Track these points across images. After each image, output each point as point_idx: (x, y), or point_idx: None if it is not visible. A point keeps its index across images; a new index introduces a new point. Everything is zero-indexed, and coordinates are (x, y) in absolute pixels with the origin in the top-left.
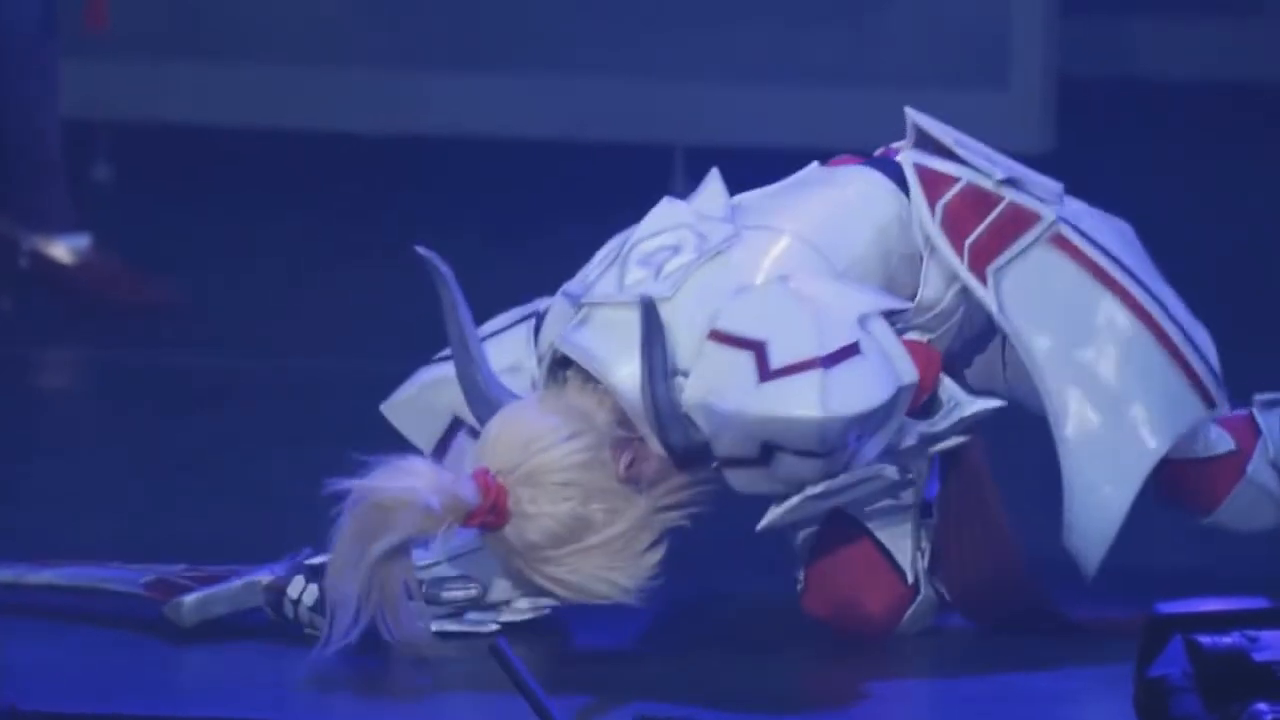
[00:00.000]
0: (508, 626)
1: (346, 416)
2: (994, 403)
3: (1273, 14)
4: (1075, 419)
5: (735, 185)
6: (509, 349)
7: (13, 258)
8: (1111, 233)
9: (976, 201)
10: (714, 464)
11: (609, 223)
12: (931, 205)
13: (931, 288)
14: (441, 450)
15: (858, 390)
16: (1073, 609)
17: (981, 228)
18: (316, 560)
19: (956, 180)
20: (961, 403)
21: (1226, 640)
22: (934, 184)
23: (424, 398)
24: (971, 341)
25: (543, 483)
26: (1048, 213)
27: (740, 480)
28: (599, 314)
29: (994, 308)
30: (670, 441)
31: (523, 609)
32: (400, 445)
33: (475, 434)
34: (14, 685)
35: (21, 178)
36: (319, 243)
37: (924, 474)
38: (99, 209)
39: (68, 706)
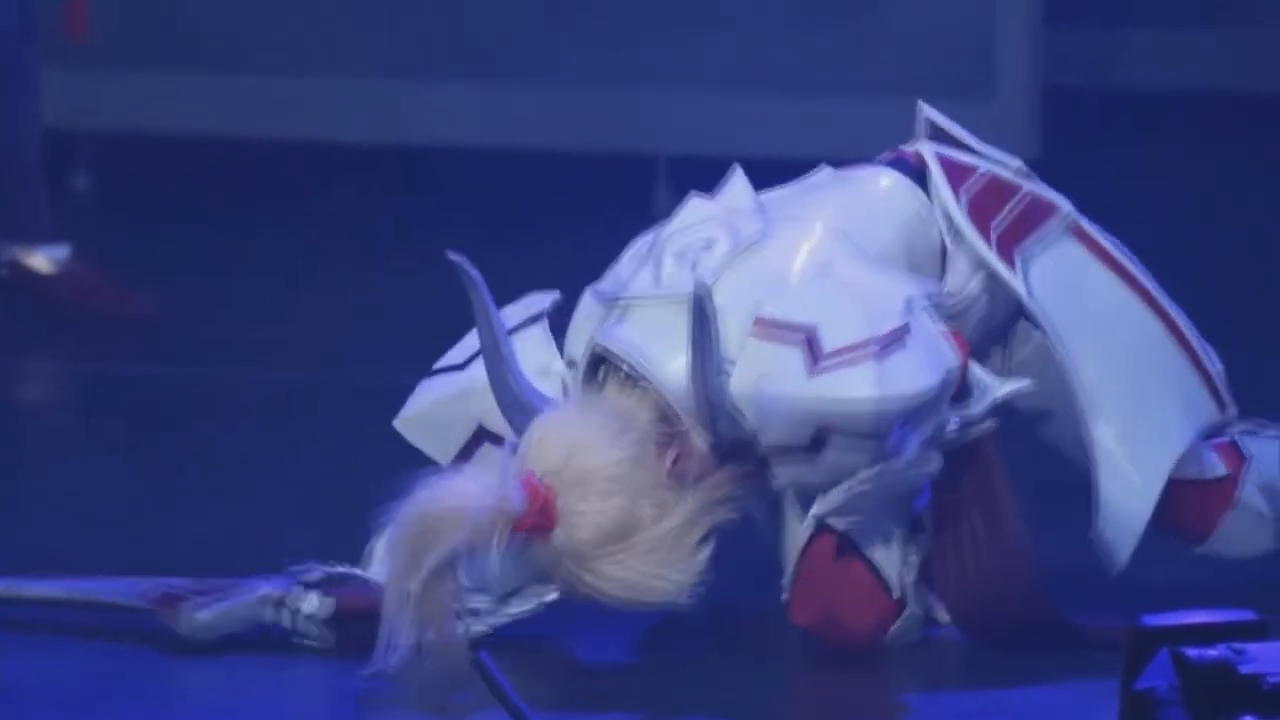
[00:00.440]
0: (493, 638)
1: (331, 427)
2: (1024, 383)
3: (1258, 23)
4: (1106, 407)
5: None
6: (532, 351)
7: None
8: (1112, 239)
9: (998, 191)
10: (760, 456)
11: (595, 231)
12: (956, 193)
13: (957, 276)
14: (462, 462)
15: (910, 373)
16: (1073, 619)
17: (1004, 215)
18: (321, 573)
19: (977, 169)
20: (991, 385)
21: (1213, 653)
22: (956, 174)
23: (442, 411)
24: (990, 333)
25: (590, 482)
26: (1065, 204)
27: (786, 472)
28: (637, 310)
29: (1023, 292)
30: (720, 431)
31: (523, 607)
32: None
33: (498, 442)
34: (13, 701)
35: (0, 187)
36: (302, 253)
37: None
38: (79, 219)
39: None
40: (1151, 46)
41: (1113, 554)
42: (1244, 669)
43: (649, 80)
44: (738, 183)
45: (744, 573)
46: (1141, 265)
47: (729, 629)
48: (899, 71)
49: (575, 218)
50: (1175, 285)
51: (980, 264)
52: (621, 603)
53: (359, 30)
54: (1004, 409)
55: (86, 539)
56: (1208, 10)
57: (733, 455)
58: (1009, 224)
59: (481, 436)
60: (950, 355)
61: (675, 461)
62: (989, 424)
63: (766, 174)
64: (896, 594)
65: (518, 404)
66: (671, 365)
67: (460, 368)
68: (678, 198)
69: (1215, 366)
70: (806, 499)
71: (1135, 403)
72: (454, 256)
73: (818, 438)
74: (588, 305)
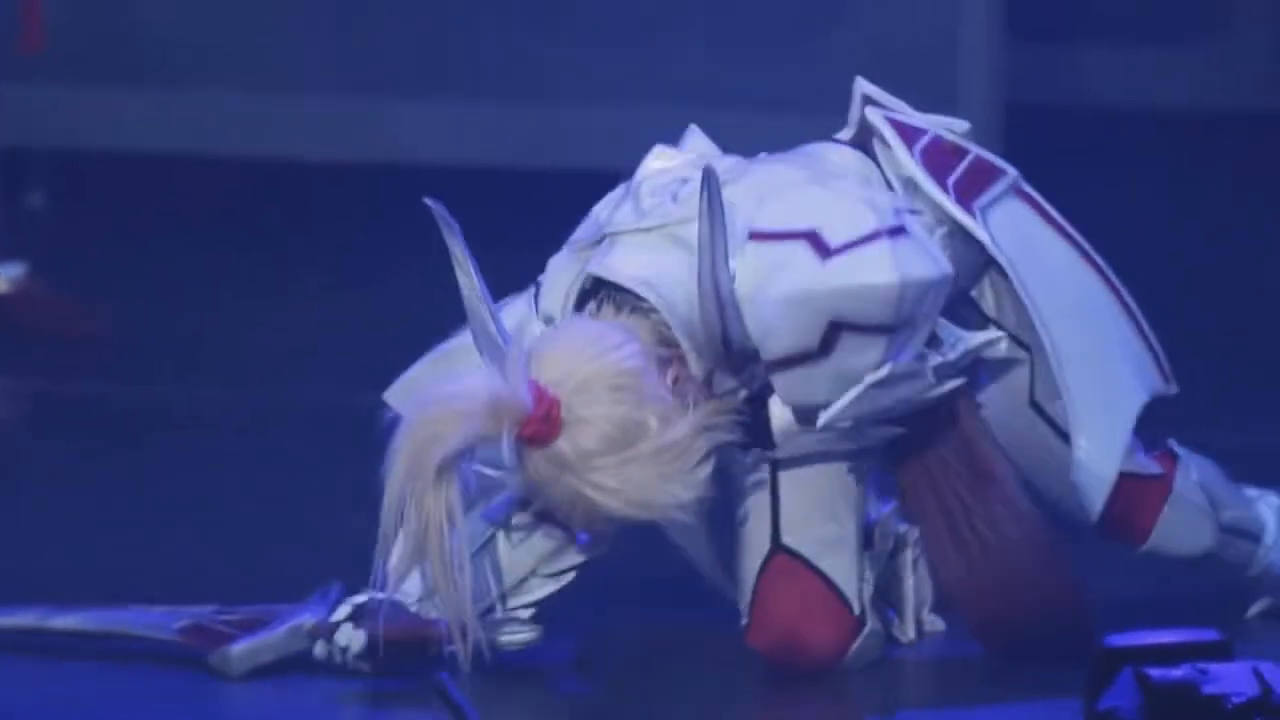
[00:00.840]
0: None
1: (288, 445)
2: (996, 334)
3: (1219, 41)
4: (1074, 356)
5: None
6: (510, 316)
7: None
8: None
9: (948, 149)
10: (752, 388)
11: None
12: (910, 150)
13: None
14: None
15: (922, 260)
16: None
17: (958, 172)
18: (359, 599)
19: (926, 131)
20: (964, 336)
21: (1176, 673)
22: (906, 134)
23: (425, 374)
24: (954, 295)
25: (595, 388)
26: (1010, 168)
27: (790, 385)
28: (624, 240)
29: (987, 240)
30: (730, 334)
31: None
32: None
33: None
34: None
35: None
36: (259, 271)
37: (863, 498)
38: (34, 237)
39: None
40: (1113, 64)
41: (1089, 502)
42: (1207, 689)
43: (617, 97)
44: (698, 136)
45: (703, 596)
46: (1080, 233)
47: (691, 651)
48: None
49: (548, 235)
50: (1137, 300)
51: (940, 220)
52: (621, 516)
53: (316, 46)
54: (975, 364)
55: (41, 560)
56: (1169, 28)
57: (738, 366)
58: (964, 178)
59: None
60: (946, 262)
61: (675, 382)
62: (961, 381)
63: None
64: (856, 610)
65: (497, 347)
66: (667, 285)
67: None
68: None
69: (1154, 339)
70: (759, 523)
71: (1096, 358)
72: (430, 202)
73: (828, 336)
74: (560, 260)
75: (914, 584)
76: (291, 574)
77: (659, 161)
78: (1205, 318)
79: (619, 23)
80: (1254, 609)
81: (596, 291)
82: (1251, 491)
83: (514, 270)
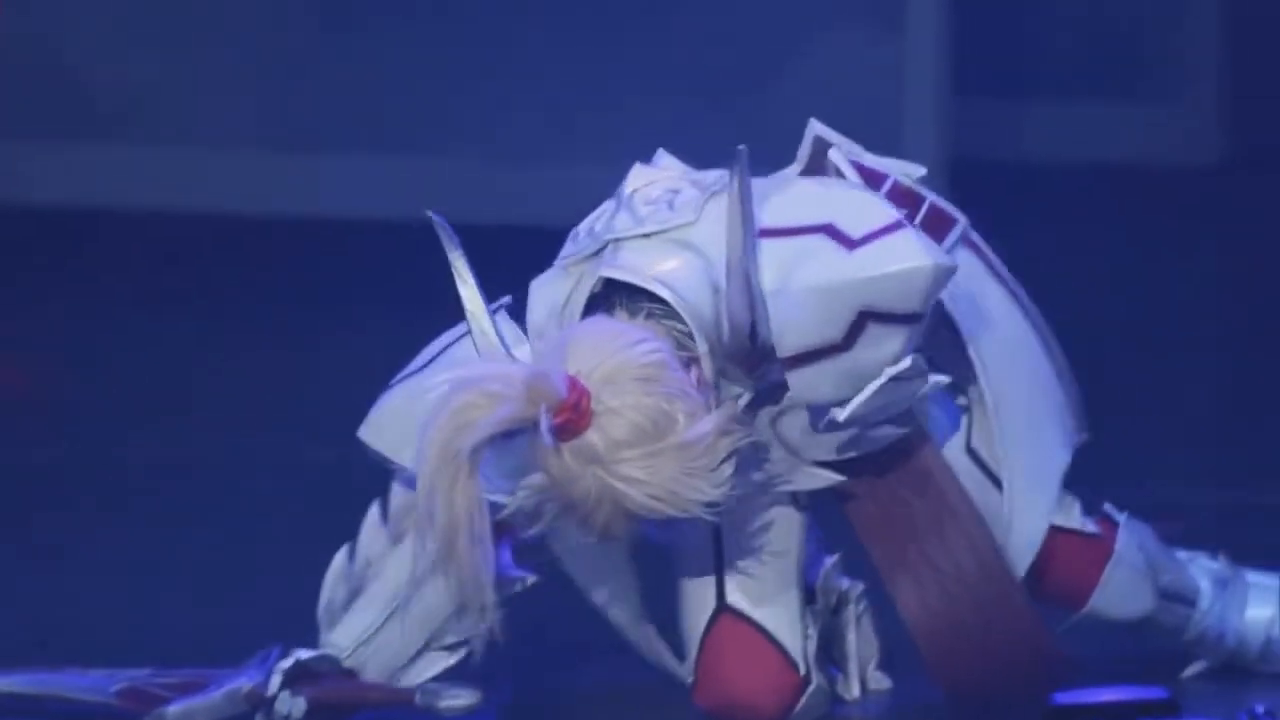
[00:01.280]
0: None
1: (216, 501)
2: (944, 378)
3: (1164, 98)
4: (1011, 412)
5: None
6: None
7: None
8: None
9: (906, 195)
10: (760, 394)
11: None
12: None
13: None
14: None
15: (938, 251)
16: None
17: (919, 217)
18: (289, 663)
19: (887, 176)
20: (926, 369)
21: None
22: (870, 178)
23: (415, 404)
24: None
25: (623, 380)
26: (961, 216)
27: (806, 383)
28: (629, 245)
29: (945, 296)
30: (759, 325)
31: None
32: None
33: None
34: None
35: None
36: (184, 326)
37: (803, 551)
38: None
39: None
40: (1057, 119)
41: (1018, 555)
42: None
43: (551, 153)
44: (669, 158)
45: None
46: (1017, 281)
47: (639, 711)
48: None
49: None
50: (1077, 355)
51: None
52: (647, 510)
53: (243, 100)
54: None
55: None
56: (1113, 84)
57: (757, 363)
58: (922, 226)
59: None
60: (949, 256)
61: (697, 384)
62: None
63: None
64: (802, 670)
65: (504, 359)
66: (680, 286)
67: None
68: None
69: (1076, 389)
70: (702, 579)
71: (1028, 416)
72: (433, 215)
73: (854, 327)
74: (547, 277)
75: (857, 641)
76: (230, 635)
77: (642, 178)
78: (1137, 372)
79: (553, 77)
80: (1190, 670)
81: (608, 298)
82: (1183, 554)
83: (443, 325)
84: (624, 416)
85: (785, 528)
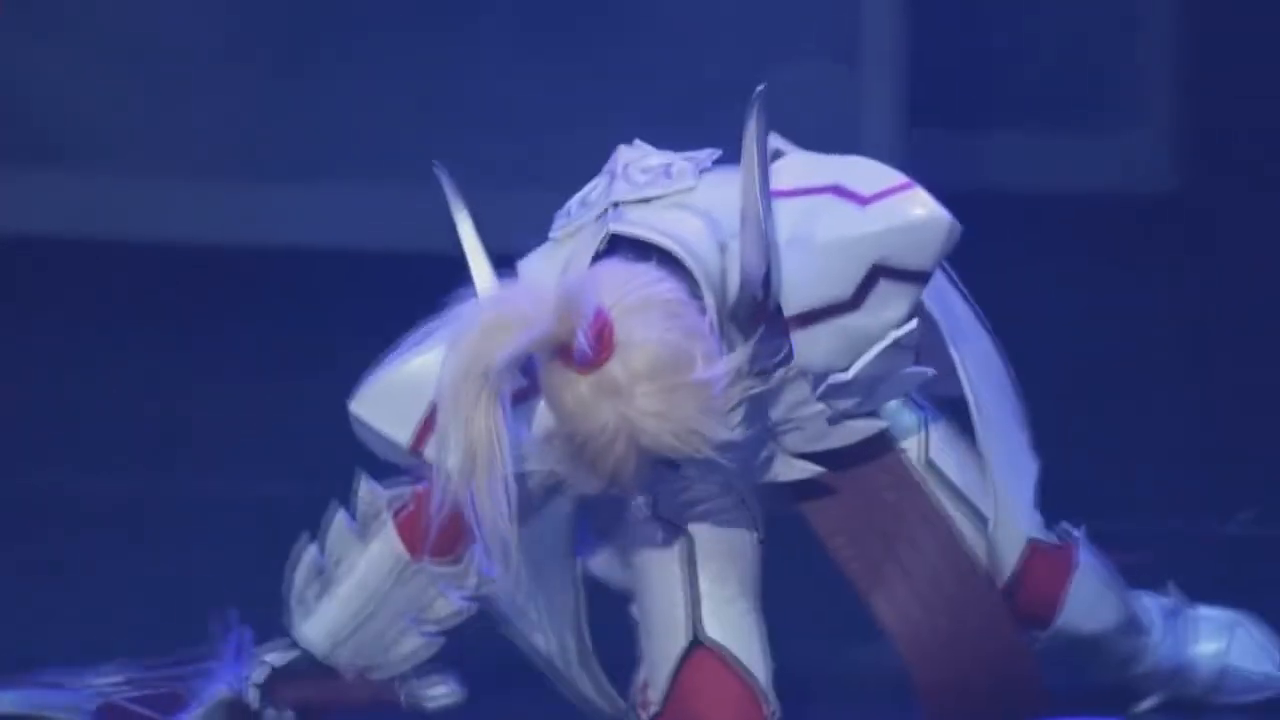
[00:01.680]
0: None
1: (159, 535)
2: (928, 371)
3: (1124, 128)
4: (990, 418)
5: None
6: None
7: None
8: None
9: None
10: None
11: None
12: None
13: None
14: (426, 430)
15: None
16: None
17: None
18: (264, 674)
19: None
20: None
21: None
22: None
23: (410, 373)
24: None
25: (646, 312)
26: None
27: (811, 342)
28: (630, 209)
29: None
30: (771, 274)
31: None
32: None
33: None
34: None
35: None
36: (136, 356)
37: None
38: None
39: None
40: (1015, 150)
41: (1001, 559)
42: None
43: (506, 183)
44: (647, 147)
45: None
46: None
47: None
48: None
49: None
50: (1039, 388)
51: None
52: (661, 446)
53: (199, 129)
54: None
55: None
56: (1070, 116)
57: (763, 318)
58: None
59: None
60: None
61: (709, 328)
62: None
63: None
64: (771, 708)
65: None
66: (689, 242)
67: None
68: None
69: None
70: (672, 606)
71: (1002, 424)
72: (437, 168)
73: (865, 283)
74: (541, 252)
75: None
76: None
77: (632, 154)
78: (1092, 405)
79: (507, 107)
80: (1144, 705)
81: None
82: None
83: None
84: (645, 349)
85: (751, 556)
